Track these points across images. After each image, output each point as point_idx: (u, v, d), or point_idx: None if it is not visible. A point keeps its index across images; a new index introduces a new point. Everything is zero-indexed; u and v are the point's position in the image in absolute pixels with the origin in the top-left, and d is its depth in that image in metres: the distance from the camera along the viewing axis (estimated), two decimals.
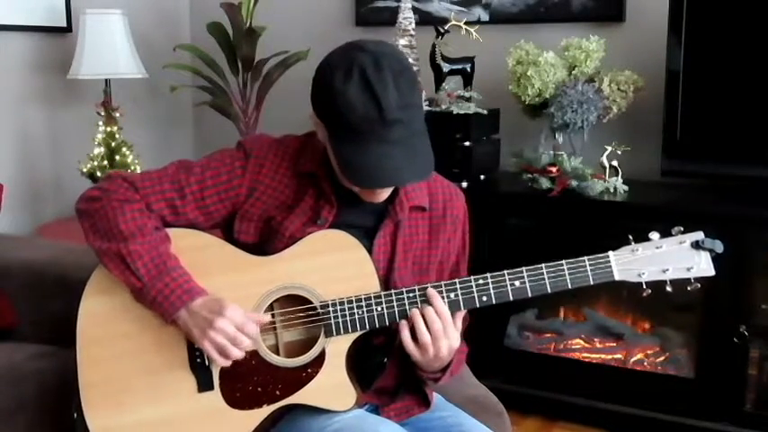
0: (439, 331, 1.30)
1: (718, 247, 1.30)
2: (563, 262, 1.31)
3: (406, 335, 1.31)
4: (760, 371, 2.38)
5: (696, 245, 1.29)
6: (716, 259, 1.31)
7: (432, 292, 1.31)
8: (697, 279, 1.30)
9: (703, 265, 1.29)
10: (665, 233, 1.32)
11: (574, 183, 2.50)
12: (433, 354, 1.31)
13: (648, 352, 2.60)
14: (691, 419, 2.41)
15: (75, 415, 1.36)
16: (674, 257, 1.30)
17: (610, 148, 2.54)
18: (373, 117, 1.23)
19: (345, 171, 1.28)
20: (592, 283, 1.31)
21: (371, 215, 1.41)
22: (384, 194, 1.36)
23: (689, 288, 1.31)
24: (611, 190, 2.53)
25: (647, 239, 1.31)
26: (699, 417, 2.40)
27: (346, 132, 1.26)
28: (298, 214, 1.38)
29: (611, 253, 1.31)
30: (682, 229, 1.32)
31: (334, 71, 1.26)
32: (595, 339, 2.67)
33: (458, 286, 1.33)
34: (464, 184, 2.58)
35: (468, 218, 1.51)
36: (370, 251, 1.36)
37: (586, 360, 2.64)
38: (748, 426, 2.34)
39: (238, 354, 1.30)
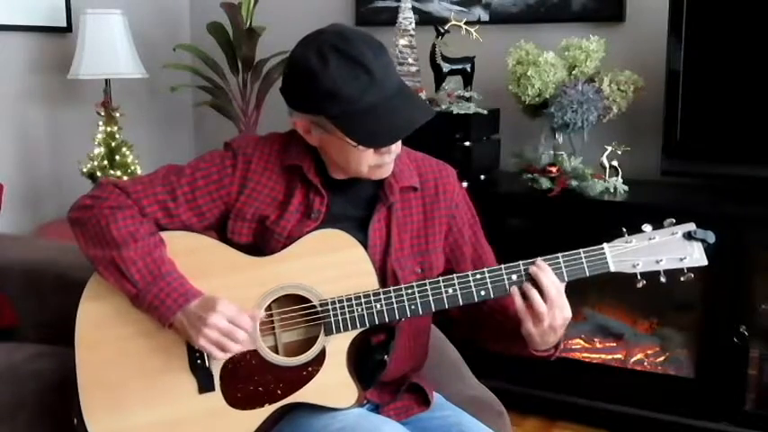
0: (555, 299, 1.29)
1: (710, 237, 1.31)
2: (559, 255, 1.32)
3: (519, 302, 1.29)
4: (760, 371, 2.38)
5: (688, 236, 1.32)
6: (712, 254, 1.32)
7: (541, 262, 1.30)
8: (690, 269, 1.32)
9: (696, 256, 1.31)
10: (658, 225, 1.34)
11: (574, 183, 2.51)
12: (548, 324, 1.29)
13: (648, 352, 2.60)
14: (691, 419, 2.41)
15: (75, 420, 1.36)
16: (667, 248, 1.32)
17: (610, 148, 2.54)
18: (366, 81, 1.26)
19: (365, 141, 1.28)
20: (588, 274, 1.32)
21: (362, 204, 1.42)
22: (392, 167, 1.37)
23: (682, 278, 1.32)
24: (611, 190, 2.53)
25: (640, 231, 1.33)
26: (699, 417, 2.40)
27: (346, 108, 1.27)
28: (291, 212, 1.39)
29: (605, 245, 1.33)
30: (674, 220, 1.34)
31: (306, 61, 1.29)
32: (595, 339, 2.67)
33: (456, 282, 1.33)
34: (464, 185, 2.58)
35: (464, 190, 1.52)
36: (365, 241, 1.37)
37: (586, 360, 2.64)
38: (748, 426, 2.34)
39: (235, 347, 1.30)
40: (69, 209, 1.42)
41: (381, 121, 1.28)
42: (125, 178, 2.83)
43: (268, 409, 1.34)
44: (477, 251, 1.49)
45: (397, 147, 1.35)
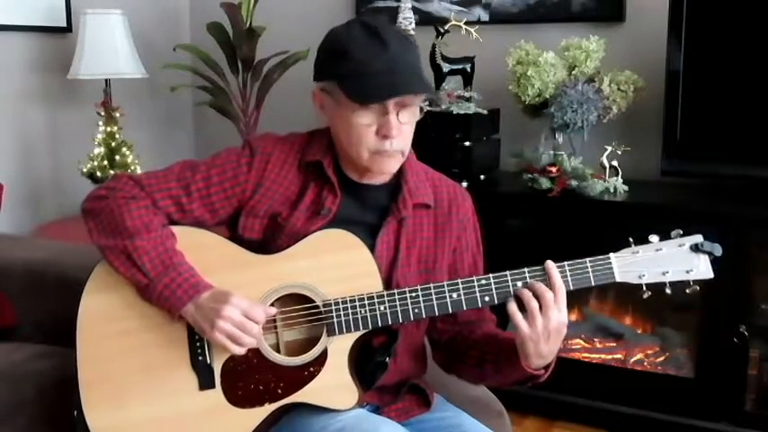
0: (549, 300, 1.26)
1: (717, 250, 1.30)
2: (565, 263, 1.31)
3: (513, 307, 1.28)
4: (760, 371, 2.38)
5: (695, 248, 1.30)
6: (715, 260, 1.32)
7: (551, 265, 1.29)
8: (696, 281, 1.31)
9: (702, 268, 1.30)
10: (665, 236, 1.32)
11: (574, 183, 2.51)
12: (542, 326, 1.26)
13: (648, 352, 2.60)
14: (691, 419, 2.41)
15: (75, 413, 1.36)
16: (674, 260, 1.30)
17: (610, 148, 2.54)
18: (379, 50, 1.30)
19: (357, 96, 1.29)
20: (593, 284, 1.31)
21: (374, 212, 1.42)
22: (394, 163, 1.37)
23: (687, 291, 1.31)
24: (611, 190, 2.53)
25: (647, 242, 1.32)
26: (699, 417, 2.40)
27: (354, 69, 1.30)
28: (302, 210, 1.39)
29: (612, 255, 1.31)
30: (681, 231, 1.32)
31: (336, 31, 1.37)
32: (595, 339, 2.67)
33: (460, 286, 1.32)
34: (464, 184, 2.58)
35: (477, 218, 1.51)
36: (372, 249, 1.37)
37: (586, 360, 2.64)
38: (748, 426, 2.34)
39: (250, 340, 1.30)
40: (84, 200, 1.43)
41: (379, 85, 1.29)
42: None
43: (268, 408, 1.34)
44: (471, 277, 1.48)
45: (402, 140, 1.35)
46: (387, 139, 1.33)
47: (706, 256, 1.30)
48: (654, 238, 1.31)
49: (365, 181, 1.42)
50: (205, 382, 1.35)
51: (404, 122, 1.34)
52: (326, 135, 1.43)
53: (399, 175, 1.43)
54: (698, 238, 1.31)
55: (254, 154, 1.42)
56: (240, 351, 1.31)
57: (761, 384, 2.38)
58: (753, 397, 2.37)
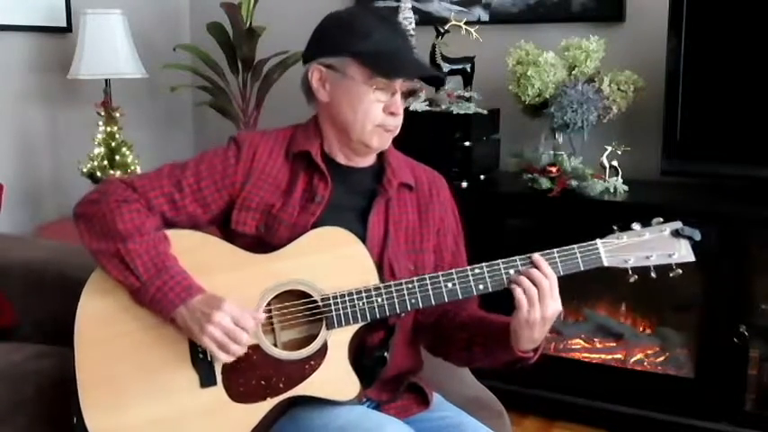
0: (549, 290, 1.31)
1: (696, 235, 1.35)
2: (554, 250, 1.34)
3: (520, 294, 1.31)
4: (760, 371, 2.38)
5: (676, 233, 1.36)
6: (700, 250, 1.36)
7: (538, 257, 1.33)
8: (678, 265, 1.35)
9: (683, 252, 1.35)
10: (646, 223, 1.38)
11: (574, 183, 2.51)
12: (540, 315, 1.30)
13: (648, 352, 2.60)
14: (691, 419, 2.41)
15: (75, 419, 1.35)
16: (657, 245, 1.35)
17: (610, 148, 2.54)
18: (392, 32, 1.42)
19: (388, 72, 1.38)
20: (582, 269, 1.35)
21: (362, 196, 1.46)
22: (388, 139, 1.45)
23: (671, 274, 1.36)
24: (611, 190, 2.53)
25: (630, 229, 1.37)
26: (699, 417, 2.40)
27: (375, 47, 1.38)
28: (296, 198, 1.42)
29: (598, 240, 1.36)
30: (661, 219, 1.38)
31: (341, 14, 1.47)
32: (595, 339, 2.67)
33: (455, 276, 1.34)
34: (464, 184, 2.58)
35: (454, 201, 1.57)
36: (364, 234, 1.40)
37: (586, 360, 2.64)
38: (748, 426, 2.34)
39: (238, 349, 1.30)
40: (76, 204, 1.43)
41: (402, 61, 1.40)
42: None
43: (270, 403, 1.34)
44: (456, 261, 1.52)
45: (399, 119, 1.43)
46: (393, 115, 1.42)
47: (687, 241, 1.35)
48: (636, 225, 1.37)
49: (351, 164, 1.47)
50: (206, 380, 1.35)
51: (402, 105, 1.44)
52: (311, 125, 1.48)
53: (381, 158, 1.49)
54: (677, 224, 1.36)
55: (240, 147, 1.45)
56: (226, 358, 1.32)
57: (761, 384, 2.38)
58: (753, 397, 2.37)
